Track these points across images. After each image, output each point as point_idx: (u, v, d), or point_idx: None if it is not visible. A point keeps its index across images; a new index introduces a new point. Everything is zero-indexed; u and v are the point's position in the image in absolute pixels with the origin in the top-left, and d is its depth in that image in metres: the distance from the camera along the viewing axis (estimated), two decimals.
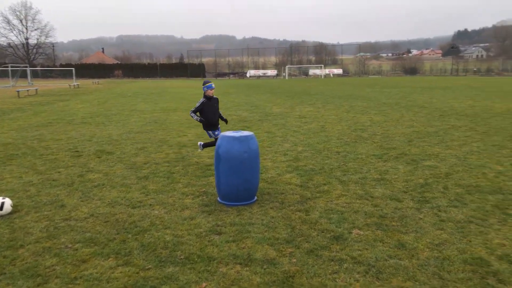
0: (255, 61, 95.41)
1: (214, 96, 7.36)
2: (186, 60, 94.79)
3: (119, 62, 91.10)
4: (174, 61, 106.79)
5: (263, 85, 42.22)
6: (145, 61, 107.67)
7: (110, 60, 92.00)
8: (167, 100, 22.39)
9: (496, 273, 3.46)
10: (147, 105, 19.78)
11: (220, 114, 7.49)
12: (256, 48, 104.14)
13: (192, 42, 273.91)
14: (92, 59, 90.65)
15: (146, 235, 4.39)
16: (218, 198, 5.42)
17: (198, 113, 7.24)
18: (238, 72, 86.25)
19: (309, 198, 5.51)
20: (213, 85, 7.28)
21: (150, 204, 5.38)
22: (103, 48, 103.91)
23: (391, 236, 4.26)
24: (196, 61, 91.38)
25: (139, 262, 3.81)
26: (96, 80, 56.63)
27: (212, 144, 7.46)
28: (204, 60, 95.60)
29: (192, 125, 12.53)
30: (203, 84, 7.24)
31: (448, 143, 9.03)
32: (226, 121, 7.83)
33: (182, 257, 3.90)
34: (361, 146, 8.88)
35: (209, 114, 7.23)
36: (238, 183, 5.13)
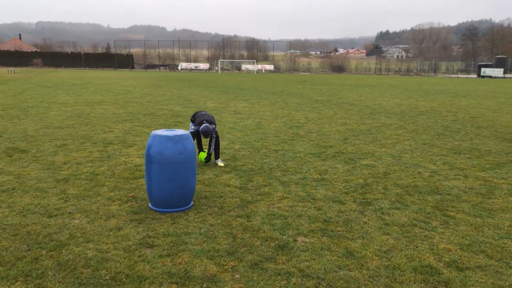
0: (187, 54, 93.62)
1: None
2: (113, 50, 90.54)
3: (38, 50, 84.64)
4: (100, 50, 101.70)
5: (195, 78, 41.28)
6: (68, 49, 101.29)
7: (28, 48, 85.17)
8: (91, 92, 20.91)
9: (448, 282, 3.33)
10: (69, 97, 18.28)
11: (211, 138, 6.86)
12: (188, 40, 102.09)
13: (119, 31, 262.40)
14: (8, 46, 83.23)
15: (63, 251, 3.76)
16: (150, 204, 4.87)
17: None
18: (169, 64, 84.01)
19: (250, 202, 5.15)
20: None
21: (70, 212, 4.70)
22: (20, 35, 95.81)
23: (338, 243, 4.02)
24: (124, 51, 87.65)
25: (54, 286, 3.20)
26: (11, 69, 51.94)
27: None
28: (133, 50, 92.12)
29: (119, 119, 11.65)
30: (203, 130, 6.52)
31: (381, 141, 9.16)
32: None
33: (107, 277, 3.35)
34: (299, 144, 8.71)
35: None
36: (173, 187, 4.63)
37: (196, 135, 6.90)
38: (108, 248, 3.83)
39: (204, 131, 6.50)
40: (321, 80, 41.54)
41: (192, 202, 5.00)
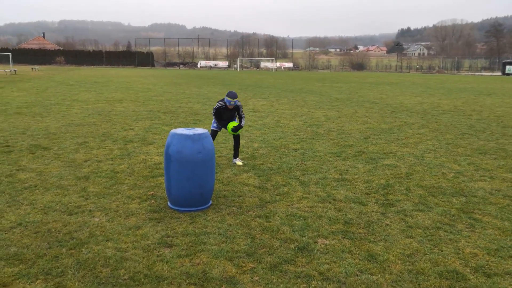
0: (206, 52, 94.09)
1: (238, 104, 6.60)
2: (134, 48, 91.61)
3: (61, 48, 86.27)
4: (121, 49, 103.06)
5: (214, 76, 41.42)
6: (90, 48, 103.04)
7: (51, 46, 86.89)
8: (112, 90, 21.17)
9: None
10: (90, 94, 18.54)
11: (241, 117, 6.65)
12: (207, 38, 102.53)
13: (140, 30, 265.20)
14: (32, 44, 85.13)
15: (83, 250, 3.77)
16: (169, 203, 4.86)
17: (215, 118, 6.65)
18: (188, 62, 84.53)
19: (269, 202, 5.09)
20: (233, 102, 6.34)
21: (90, 210, 4.73)
22: (43, 33, 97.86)
23: (359, 246, 3.93)
24: (144, 49, 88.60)
25: (73, 285, 3.21)
26: (36, 67, 53.08)
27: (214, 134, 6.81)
28: (153, 48, 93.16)
29: (140, 117, 11.74)
30: (229, 98, 6.35)
31: (403, 140, 8.97)
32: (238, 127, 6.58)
33: (126, 277, 3.34)
34: (318, 143, 8.60)
35: (222, 116, 6.61)
36: (192, 186, 4.60)
37: (219, 112, 6.55)
38: (127, 247, 3.82)
39: (230, 91, 6.39)
40: (341, 78, 41.14)
41: (210, 201, 4.97)
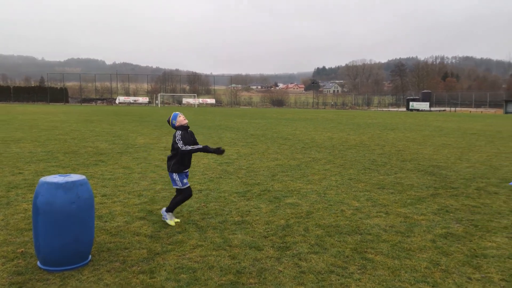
0: (126, 88, 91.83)
1: (189, 129, 5.93)
2: (46, 84, 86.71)
3: None
4: (33, 84, 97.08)
5: (132, 112, 40.13)
6: None
7: None
8: (13, 129, 19.44)
9: None
10: None
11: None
12: (127, 74, 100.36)
13: (55, 64, 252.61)
14: None
15: None
16: (38, 262, 4.25)
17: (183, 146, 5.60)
18: (106, 98, 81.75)
19: (159, 253, 4.67)
20: (179, 113, 5.91)
21: None
22: None
23: None
24: (58, 85, 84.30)
25: None
26: None
27: (182, 200, 5.75)
28: (68, 84, 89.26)
29: (34, 159, 10.71)
30: (171, 118, 5.80)
31: (309, 177, 9.05)
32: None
33: None
34: (225, 182, 8.36)
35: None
36: (64, 243, 4.06)
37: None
38: None
39: (173, 113, 5.98)
40: (260, 114, 41.99)
41: (90, 256, 4.44)
